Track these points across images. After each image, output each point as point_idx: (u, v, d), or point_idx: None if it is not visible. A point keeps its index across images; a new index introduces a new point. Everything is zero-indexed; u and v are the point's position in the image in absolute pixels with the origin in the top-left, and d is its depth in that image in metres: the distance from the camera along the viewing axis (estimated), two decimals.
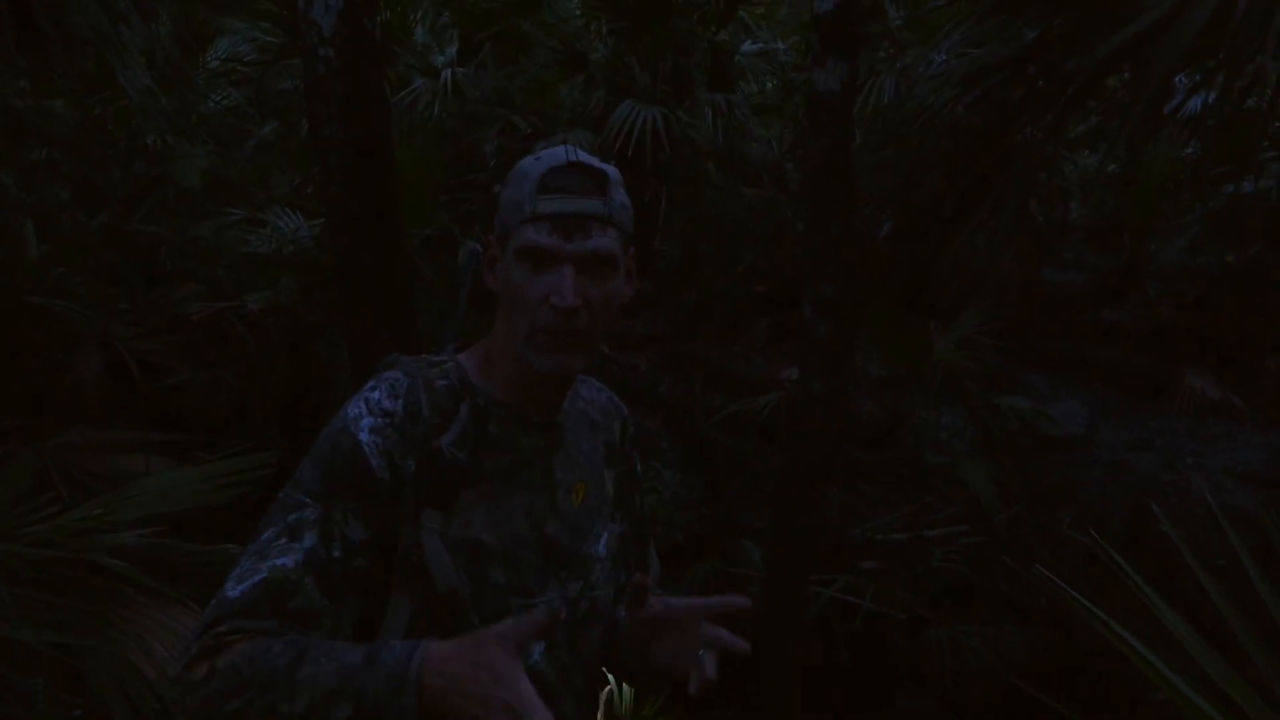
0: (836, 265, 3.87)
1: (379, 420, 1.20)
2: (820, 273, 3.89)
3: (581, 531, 1.36)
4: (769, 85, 8.63)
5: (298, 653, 1.07)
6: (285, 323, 6.21)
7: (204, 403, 5.79)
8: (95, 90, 5.77)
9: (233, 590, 1.12)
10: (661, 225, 7.37)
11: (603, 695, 1.23)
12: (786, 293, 7.29)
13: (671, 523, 5.91)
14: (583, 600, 1.36)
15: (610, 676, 1.17)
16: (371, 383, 1.25)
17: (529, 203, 1.22)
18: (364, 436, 1.19)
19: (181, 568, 2.44)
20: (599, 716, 1.18)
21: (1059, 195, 7.71)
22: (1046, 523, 5.56)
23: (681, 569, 5.51)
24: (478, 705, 1.00)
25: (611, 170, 1.30)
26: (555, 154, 1.26)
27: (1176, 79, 4.31)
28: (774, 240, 7.65)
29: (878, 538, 5.39)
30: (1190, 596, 2.20)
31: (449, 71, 7.44)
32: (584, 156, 1.28)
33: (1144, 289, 7.53)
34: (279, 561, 1.13)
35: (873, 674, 5.16)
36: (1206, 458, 6.03)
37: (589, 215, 1.22)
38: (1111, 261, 7.80)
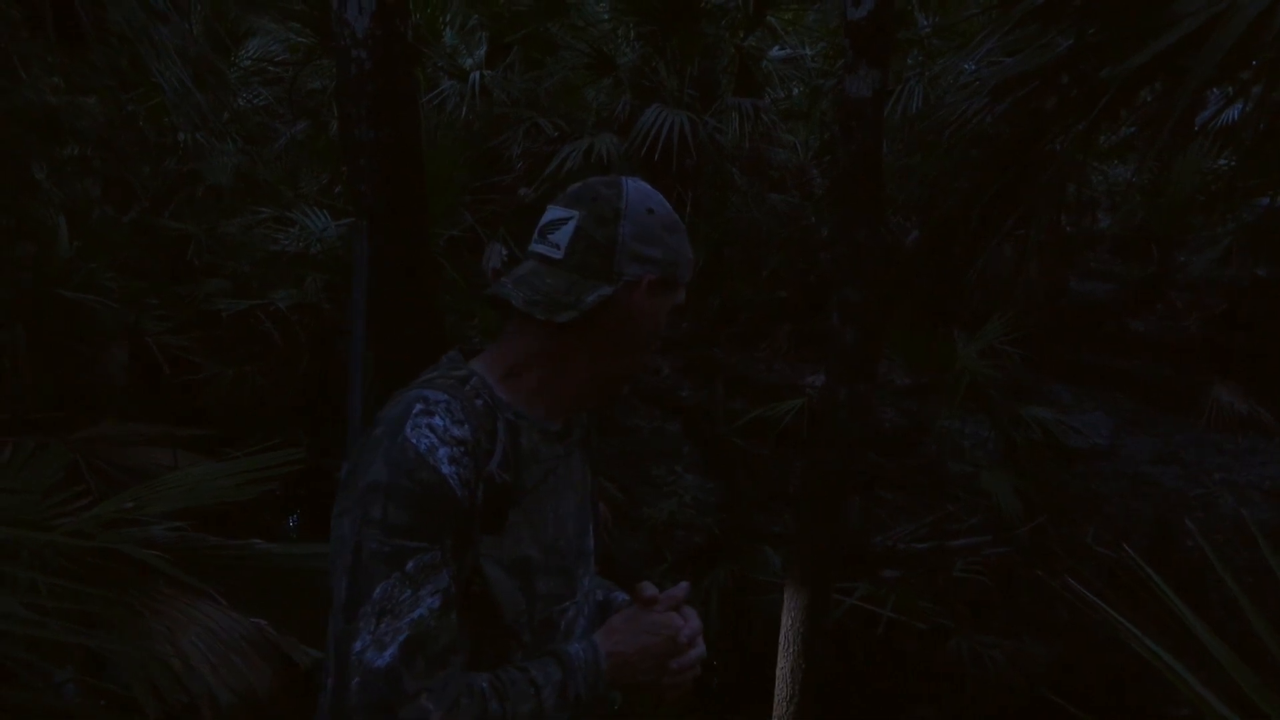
0: (863, 272, 3.86)
1: (455, 450, 1.16)
2: (847, 279, 3.88)
3: (585, 528, 1.40)
4: (796, 91, 8.63)
5: (501, 695, 1.16)
6: (310, 320, 6.26)
7: (229, 398, 5.85)
8: (129, 87, 5.83)
9: (378, 659, 1.08)
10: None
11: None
12: (810, 299, 7.28)
13: (691, 527, 5.91)
14: (591, 593, 1.42)
15: None
16: (418, 405, 1.18)
17: (693, 263, 1.36)
18: (446, 469, 1.15)
19: (209, 561, 2.46)
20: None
21: (1087, 205, 7.67)
22: (1069, 535, 5.52)
23: (700, 573, 5.51)
24: (652, 667, 1.29)
25: None
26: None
27: (1210, 91, 4.28)
28: (798, 246, 7.64)
29: (899, 546, 5.37)
30: (1214, 611, 2.18)
31: (477, 74, 7.47)
32: None
33: (1171, 300, 7.47)
34: (415, 615, 1.10)
35: (890, 681, 5.14)
36: (1233, 472, 5.97)
37: None
38: (1139, 272, 7.75)
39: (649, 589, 1.34)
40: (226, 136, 6.83)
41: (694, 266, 1.36)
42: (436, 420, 1.17)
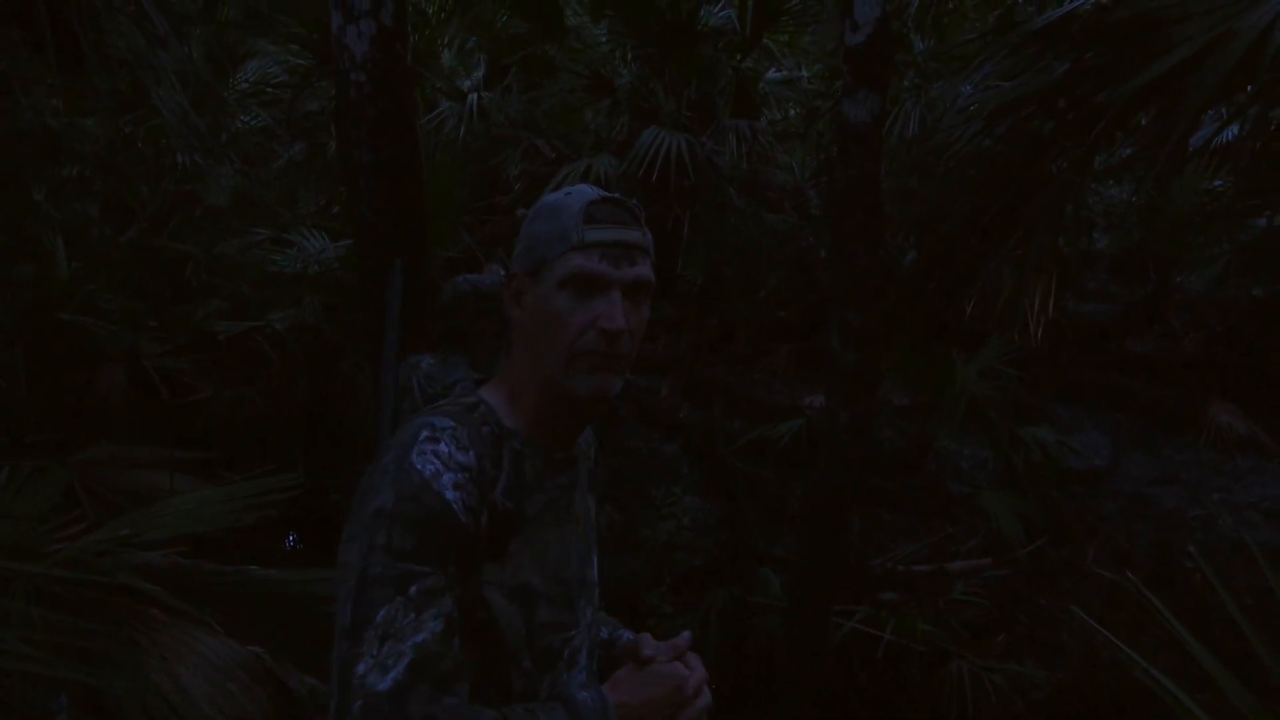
0: (862, 294, 3.87)
1: (460, 476, 1.17)
2: (846, 302, 3.88)
3: (587, 558, 1.40)
4: (792, 112, 8.67)
5: None
6: (308, 341, 6.26)
7: (227, 419, 5.84)
8: (128, 109, 5.85)
9: (380, 682, 1.07)
10: (684, 250, 7.38)
11: None
12: (808, 318, 7.28)
13: (690, 548, 5.88)
14: (594, 625, 1.42)
15: None
16: (424, 432, 1.20)
17: (576, 232, 1.23)
18: (450, 495, 1.16)
19: (206, 588, 2.44)
20: None
21: (1084, 225, 7.68)
22: (1069, 556, 5.50)
23: (699, 595, 5.48)
24: (663, 711, 1.25)
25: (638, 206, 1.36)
26: (584, 190, 1.28)
27: (1205, 112, 4.29)
28: (796, 266, 7.65)
29: (899, 568, 5.34)
30: (1214, 632, 2.16)
31: (475, 95, 7.50)
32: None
33: (1169, 321, 7.47)
34: (418, 639, 1.10)
35: (890, 704, 5.10)
36: (1233, 493, 5.94)
37: (633, 244, 1.26)
38: (1137, 292, 7.75)
39: (648, 648, 1.31)
40: (225, 158, 6.85)
41: (579, 229, 1.23)
42: (442, 447, 1.19)
